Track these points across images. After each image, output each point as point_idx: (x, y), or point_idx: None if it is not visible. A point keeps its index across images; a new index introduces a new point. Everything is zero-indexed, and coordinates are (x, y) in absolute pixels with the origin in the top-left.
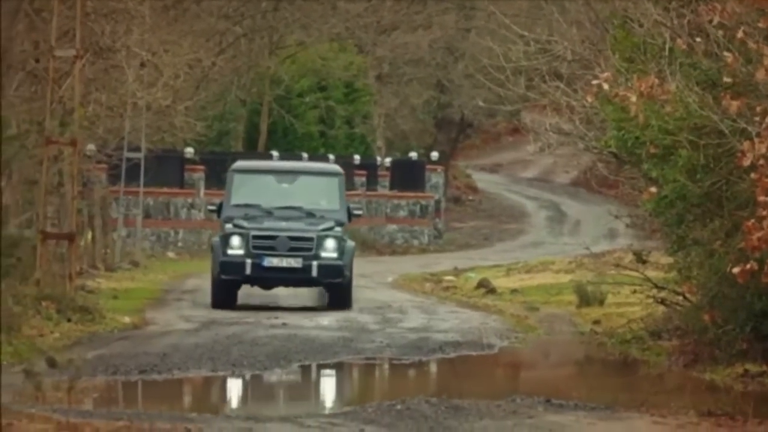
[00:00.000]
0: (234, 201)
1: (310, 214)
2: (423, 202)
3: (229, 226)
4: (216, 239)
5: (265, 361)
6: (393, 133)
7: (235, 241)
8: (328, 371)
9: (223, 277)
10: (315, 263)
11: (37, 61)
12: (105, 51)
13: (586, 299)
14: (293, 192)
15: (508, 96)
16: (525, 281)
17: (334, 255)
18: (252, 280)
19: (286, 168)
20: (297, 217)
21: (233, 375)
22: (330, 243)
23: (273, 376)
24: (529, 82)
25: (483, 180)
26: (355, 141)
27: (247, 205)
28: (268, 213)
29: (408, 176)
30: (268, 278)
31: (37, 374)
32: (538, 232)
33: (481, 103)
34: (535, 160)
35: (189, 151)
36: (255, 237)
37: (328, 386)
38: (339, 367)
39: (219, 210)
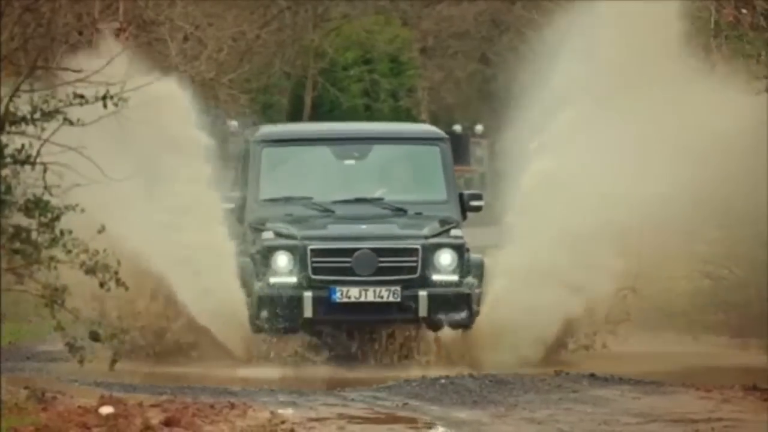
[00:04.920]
0: (264, 194)
1: (398, 211)
2: (467, 176)
3: (267, 235)
4: (244, 259)
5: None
6: (437, 106)
7: (281, 259)
8: (374, 345)
9: (265, 324)
10: (423, 293)
11: (81, 33)
12: (148, 24)
13: None
14: (365, 173)
15: None
16: None
17: (455, 278)
18: (316, 326)
19: (352, 133)
20: (379, 216)
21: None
22: (446, 257)
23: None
24: None
25: None
26: (400, 114)
27: (287, 200)
28: (327, 211)
29: (453, 150)
30: (343, 322)
31: (80, 348)
32: None
33: None
34: None
35: (233, 124)
36: (316, 252)
37: (373, 360)
38: (385, 340)
39: (241, 208)
